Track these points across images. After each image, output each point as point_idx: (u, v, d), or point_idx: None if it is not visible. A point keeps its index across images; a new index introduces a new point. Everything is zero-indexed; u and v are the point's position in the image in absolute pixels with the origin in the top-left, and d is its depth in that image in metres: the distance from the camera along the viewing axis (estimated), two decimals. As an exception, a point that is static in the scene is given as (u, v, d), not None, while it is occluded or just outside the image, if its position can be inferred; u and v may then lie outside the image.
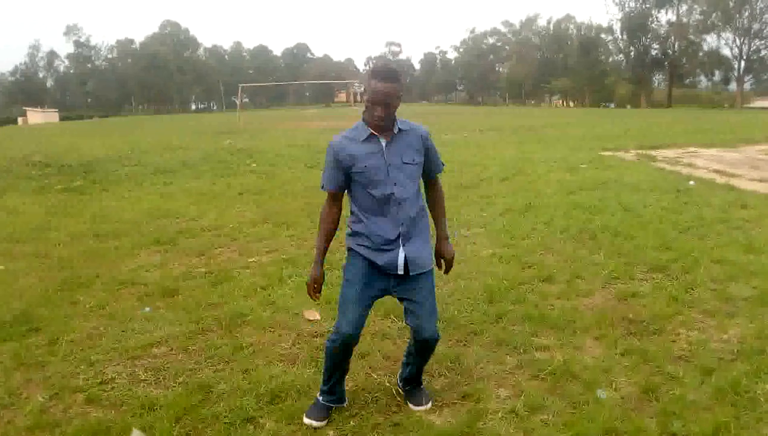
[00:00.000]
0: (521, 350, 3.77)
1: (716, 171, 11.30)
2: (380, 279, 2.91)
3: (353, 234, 2.95)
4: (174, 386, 3.44)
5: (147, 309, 4.64)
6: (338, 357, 2.99)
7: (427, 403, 3.17)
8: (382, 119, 2.74)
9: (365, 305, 2.93)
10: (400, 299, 2.99)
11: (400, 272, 2.88)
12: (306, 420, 3.03)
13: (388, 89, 2.71)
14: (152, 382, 3.52)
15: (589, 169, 11.71)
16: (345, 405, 3.17)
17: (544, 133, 22.79)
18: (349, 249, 2.98)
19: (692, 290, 4.75)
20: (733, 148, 15.59)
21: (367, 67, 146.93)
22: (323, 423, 3.02)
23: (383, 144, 2.81)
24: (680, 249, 5.76)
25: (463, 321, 4.23)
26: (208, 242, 6.72)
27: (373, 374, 3.52)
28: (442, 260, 3.10)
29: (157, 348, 3.98)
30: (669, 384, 3.30)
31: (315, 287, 2.96)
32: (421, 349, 3.07)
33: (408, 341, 3.22)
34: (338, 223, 2.96)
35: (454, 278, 5.14)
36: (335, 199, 2.92)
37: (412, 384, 3.24)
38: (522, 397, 3.20)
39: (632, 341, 3.87)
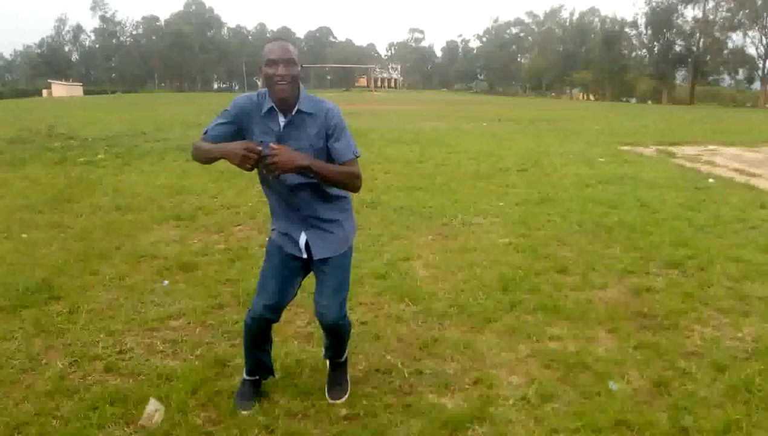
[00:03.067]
0: (534, 339, 3.79)
1: (736, 170, 11.17)
2: (288, 255, 2.85)
3: (270, 209, 2.93)
4: (191, 359, 3.51)
5: (165, 282, 4.71)
6: (250, 335, 2.96)
7: (339, 397, 3.08)
8: (286, 80, 2.51)
9: (282, 280, 2.85)
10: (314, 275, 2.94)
11: (303, 256, 2.82)
12: (238, 410, 2.97)
13: (284, 46, 2.53)
14: (169, 353, 3.59)
15: (607, 163, 11.63)
16: (270, 378, 3.16)
17: (562, 125, 22.62)
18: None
19: (707, 287, 4.73)
20: (754, 147, 15.37)
21: (390, 53, 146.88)
22: (250, 411, 2.97)
23: (281, 124, 2.62)
24: (696, 246, 5.73)
25: (477, 308, 4.26)
26: (226, 219, 6.78)
27: (387, 356, 3.56)
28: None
29: (175, 321, 4.05)
30: (681, 379, 3.31)
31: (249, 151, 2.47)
32: (326, 332, 3.02)
33: None
34: None
35: (470, 266, 5.17)
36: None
37: (334, 368, 3.18)
38: (534, 385, 3.22)
39: (645, 335, 3.88)
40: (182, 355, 3.57)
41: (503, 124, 22.63)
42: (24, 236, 6.02)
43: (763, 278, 4.93)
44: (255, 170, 2.62)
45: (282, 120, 2.63)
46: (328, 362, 3.24)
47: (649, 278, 4.97)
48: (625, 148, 14.59)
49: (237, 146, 2.49)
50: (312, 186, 2.70)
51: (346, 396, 3.11)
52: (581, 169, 10.84)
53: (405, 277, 4.90)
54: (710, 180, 9.74)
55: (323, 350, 3.26)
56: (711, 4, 65.92)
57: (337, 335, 3.03)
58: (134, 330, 3.89)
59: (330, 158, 2.66)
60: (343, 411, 3.00)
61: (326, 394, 3.12)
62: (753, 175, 10.60)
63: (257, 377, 3.11)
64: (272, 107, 2.61)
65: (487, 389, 3.20)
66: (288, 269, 2.87)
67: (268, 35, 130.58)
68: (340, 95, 61.32)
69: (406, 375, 3.34)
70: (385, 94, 68.28)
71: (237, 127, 2.66)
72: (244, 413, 2.96)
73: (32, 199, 7.77)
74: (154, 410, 2.92)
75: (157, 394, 3.08)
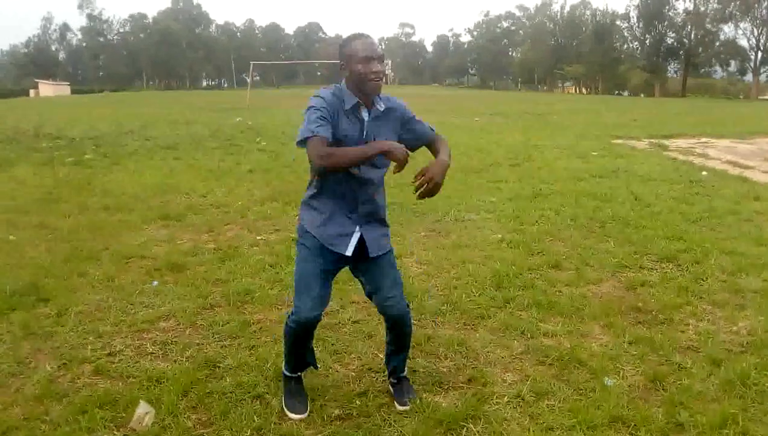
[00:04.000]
0: (528, 336, 3.76)
1: (729, 162, 11.19)
2: (333, 254, 2.78)
3: (308, 206, 2.83)
4: (181, 360, 3.46)
5: (155, 283, 4.66)
6: (298, 340, 2.91)
7: (405, 405, 2.99)
8: (379, 75, 2.60)
9: (324, 281, 2.79)
10: (358, 277, 2.94)
11: (348, 253, 2.75)
12: (290, 415, 2.91)
13: (375, 44, 2.61)
14: (159, 355, 3.54)
15: (600, 157, 11.62)
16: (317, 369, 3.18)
17: (554, 119, 22.64)
18: (302, 226, 2.86)
19: (702, 281, 4.72)
20: (747, 139, 15.43)
21: (380, 49, 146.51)
22: (305, 414, 2.92)
23: (365, 118, 2.68)
24: (690, 240, 5.72)
25: (470, 305, 4.22)
26: (216, 219, 6.72)
27: (379, 354, 3.51)
28: (422, 178, 2.63)
29: (165, 322, 4.00)
30: (677, 374, 3.29)
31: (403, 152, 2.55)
32: (393, 328, 2.95)
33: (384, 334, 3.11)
34: None
35: (462, 262, 5.14)
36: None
37: (400, 374, 3.10)
38: (528, 382, 3.19)
39: (640, 330, 3.85)
40: (172, 356, 3.52)
41: (494, 119, 22.63)
42: (11, 237, 5.94)
43: (758, 270, 4.92)
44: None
45: (366, 114, 2.69)
46: (389, 377, 3.14)
47: (644, 272, 4.95)
48: (618, 141, 14.61)
49: (402, 147, 2.57)
50: (378, 181, 2.79)
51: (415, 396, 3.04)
52: (574, 163, 10.83)
53: (398, 274, 4.86)
54: (703, 173, 9.75)
55: (387, 362, 3.14)
56: (702, -4, 66.18)
57: (405, 330, 2.98)
58: (123, 332, 3.84)
59: (412, 141, 2.83)
60: (336, 411, 2.97)
61: (395, 403, 3.02)
62: (746, 167, 10.63)
63: (299, 374, 3.08)
64: (357, 102, 2.67)
65: (482, 387, 3.17)
66: (329, 267, 2.82)
67: (256, 31, 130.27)
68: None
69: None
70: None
71: (333, 123, 2.62)
72: (296, 416, 2.90)
73: (19, 200, 7.68)
74: (144, 412, 2.87)
75: (148, 396, 3.03)
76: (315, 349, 3.43)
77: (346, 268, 2.96)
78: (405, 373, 3.14)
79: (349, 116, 2.66)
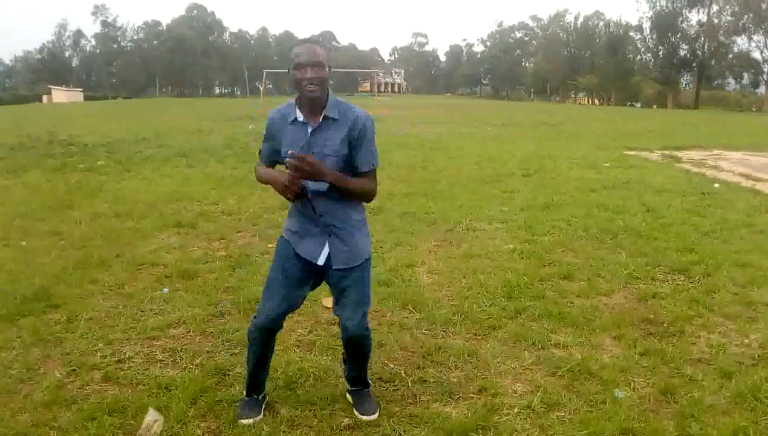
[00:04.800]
0: (539, 347, 3.74)
1: (742, 174, 11.11)
2: (306, 263, 2.79)
3: (288, 214, 2.89)
4: (190, 368, 3.46)
5: (165, 290, 4.67)
6: (257, 347, 2.89)
7: (373, 413, 2.97)
8: (315, 83, 2.51)
9: (290, 288, 2.78)
10: (330, 286, 2.88)
11: (320, 263, 2.76)
12: (241, 421, 2.89)
13: (312, 48, 2.54)
14: (169, 363, 3.55)
15: (612, 168, 11.57)
16: (263, 397, 3.04)
17: (567, 130, 22.58)
18: (283, 231, 2.90)
19: (714, 293, 4.67)
20: (760, 152, 15.31)
21: (393, 58, 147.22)
22: (257, 418, 2.92)
23: (309, 131, 2.64)
24: (702, 252, 5.68)
25: (481, 315, 4.21)
26: (227, 226, 6.75)
27: (390, 364, 3.51)
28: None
29: (175, 329, 4.01)
30: (687, 387, 3.25)
31: (292, 184, 2.57)
32: (348, 346, 2.91)
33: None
34: None
35: (473, 272, 5.12)
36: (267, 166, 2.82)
37: (357, 386, 3.07)
38: (539, 393, 3.17)
39: (651, 341, 3.82)
40: (182, 364, 3.53)
41: (507, 129, 22.60)
42: (23, 243, 5.99)
43: (771, 283, 4.86)
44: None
45: (309, 128, 2.64)
46: (348, 386, 3.13)
47: (655, 284, 4.91)
48: (630, 152, 14.54)
49: (281, 177, 2.59)
50: (335, 193, 2.67)
51: (377, 414, 2.98)
52: (586, 173, 10.79)
53: (408, 284, 4.86)
54: (716, 185, 9.68)
55: (345, 372, 3.13)
56: (715, 8, 65.93)
57: (359, 349, 2.92)
58: (133, 339, 3.85)
59: (350, 165, 2.67)
60: (346, 421, 2.96)
61: (355, 411, 3.01)
62: (759, 179, 10.54)
63: (260, 395, 3.03)
64: (295, 118, 2.66)
65: (492, 398, 3.15)
66: (299, 276, 2.80)
67: (270, 39, 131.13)
68: (344, 100, 61.17)
69: (410, 384, 3.29)
70: (389, 99, 68.40)
71: (275, 142, 2.73)
72: (244, 421, 2.89)
73: (32, 207, 7.74)
74: (153, 420, 2.87)
75: (156, 404, 3.04)
76: (325, 358, 3.43)
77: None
78: (367, 386, 3.09)
79: (293, 131, 2.67)
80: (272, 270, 2.85)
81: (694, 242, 6.04)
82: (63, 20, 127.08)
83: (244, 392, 3.05)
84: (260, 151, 2.84)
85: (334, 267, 2.76)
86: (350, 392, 3.11)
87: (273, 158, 2.79)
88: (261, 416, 2.96)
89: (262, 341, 2.88)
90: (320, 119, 2.63)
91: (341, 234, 2.75)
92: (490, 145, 15.66)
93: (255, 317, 2.86)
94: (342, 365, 3.19)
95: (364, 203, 2.87)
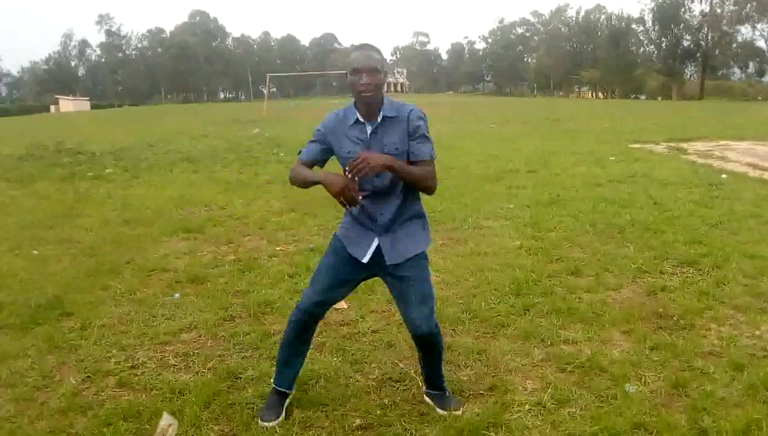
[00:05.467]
0: (548, 343, 3.75)
1: (749, 164, 11.07)
2: (354, 264, 2.85)
3: (344, 213, 2.93)
4: (203, 372, 3.49)
5: (176, 295, 4.71)
6: (292, 332, 2.97)
7: (456, 409, 3.01)
8: (370, 89, 2.59)
9: (335, 281, 2.87)
10: (389, 287, 2.93)
11: (364, 260, 2.80)
12: (260, 423, 2.93)
13: (369, 54, 2.60)
14: (182, 367, 3.58)
15: (618, 162, 11.56)
16: (291, 394, 3.07)
17: (571, 125, 22.54)
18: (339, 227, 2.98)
19: (723, 285, 4.67)
20: (767, 141, 15.24)
21: (395, 58, 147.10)
22: (276, 421, 2.93)
23: (368, 132, 2.70)
24: (711, 244, 5.67)
25: (490, 313, 4.22)
26: (235, 230, 6.78)
27: (399, 364, 3.53)
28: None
29: (186, 334, 4.04)
30: (699, 380, 3.25)
31: (350, 187, 2.56)
32: (417, 344, 2.95)
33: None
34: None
35: (480, 270, 5.13)
36: (305, 166, 2.80)
37: (434, 388, 3.09)
38: (549, 390, 3.18)
39: (661, 335, 3.82)
40: (194, 368, 3.56)
41: (511, 126, 22.58)
42: (35, 252, 6.04)
43: (780, 273, 4.85)
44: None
45: (368, 129, 2.71)
46: (424, 387, 3.15)
47: (664, 277, 4.91)
48: (636, 145, 14.51)
49: (338, 180, 2.56)
50: (391, 191, 2.74)
51: (459, 410, 3.01)
52: (591, 168, 10.78)
53: (416, 283, 4.86)
54: (723, 176, 9.65)
55: (424, 376, 3.13)
56: (718, -2, 65.65)
57: (430, 348, 2.94)
58: (146, 344, 3.88)
59: (411, 156, 2.72)
60: (357, 421, 2.97)
61: (437, 408, 3.03)
62: (766, 169, 10.50)
63: (284, 394, 3.04)
64: (357, 119, 2.71)
65: (502, 395, 3.16)
66: (345, 269, 2.87)
67: (272, 44, 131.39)
68: (346, 101, 61.22)
69: (421, 383, 3.30)
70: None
71: (326, 145, 2.78)
72: (263, 424, 2.92)
73: (42, 215, 7.81)
74: (167, 424, 2.90)
75: (170, 408, 3.06)
76: (335, 359, 3.45)
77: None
78: (443, 389, 3.09)
79: (353, 133, 2.73)
80: (322, 261, 2.97)
81: (703, 234, 6.03)
82: (68, 30, 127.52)
83: (273, 381, 3.07)
84: (300, 152, 2.83)
85: (388, 262, 2.79)
86: (428, 395, 3.12)
87: (315, 160, 2.80)
88: (281, 418, 2.97)
89: (298, 327, 2.95)
90: (379, 119, 2.70)
91: (396, 230, 2.80)
92: (495, 143, 15.65)
93: (298, 303, 2.96)
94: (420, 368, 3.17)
95: (421, 202, 2.91)
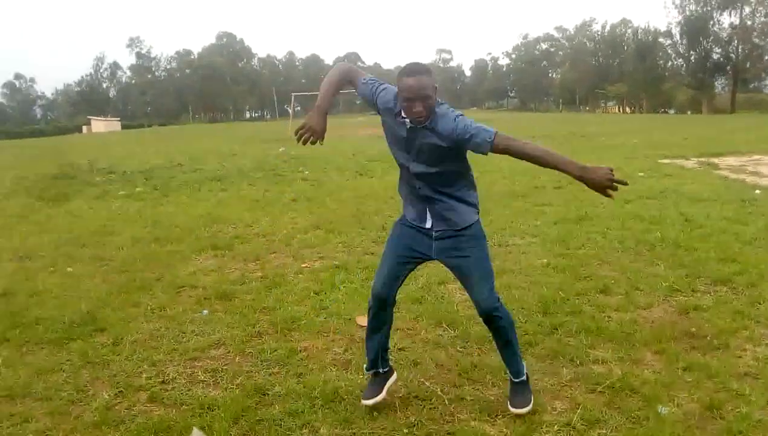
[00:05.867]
0: (577, 363, 3.70)
1: (783, 180, 10.84)
2: (418, 240, 3.03)
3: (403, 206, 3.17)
4: (231, 388, 3.52)
5: (205, 312, 4.76)
6: (372, 316, 3.15)
7: (522, 406, 3.08)
8: (422, 115, 2.70)
9: (398, 261, 3.06)
10: (450, 267, 3.09)
11: (427, 225, 2.99)
12: (363, 402, 3.16)
13: (420, 81, 2.66)
14: (211, 383, 3.61)
15: (647, 177, 11.41)
16: (394, 376, 3.31)
17: (598, 140, 22.34)
18: None
19: (758, 304, 4.56)
20: (801, 156, 14.92)
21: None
22: (374, 400, 3.14)
23: (407, 123, 2.82)
24: (745, 262, 5.55)
25: (518, 332, 4.14)
26: (262, 248, 6.84)
27: (426, 382, 3.51)
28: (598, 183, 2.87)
29: (215, 350, 4.08)
30: (734, 402, 3.18)
31: (310, 130, 2.84)
32: (486, 324, 3.09)
33: None
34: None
35: (507, 287, 5.09)
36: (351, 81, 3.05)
37: (516, 377, 3.17)
38: (579, 410, 3.13)
39: (695, 355, 3.75)
40: (223, 384, 3.59)
41: (537, 141, 22.42)
42: (69, 269, 6.16)
43: (817, 292, 4.73)
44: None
45: (406, 127, 2.83)
46: (509, 377, 3.23)
47: (697, 295, 4.82)
48: (665, 161, 14.31)
49: (308, 121, 2.84)
50: (434, 177, 2.91)
51: (530, 406, 3.10)
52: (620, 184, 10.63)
53: (441, 301, 4.86)
54: (756, 191, 9.46)
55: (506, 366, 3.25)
56: (748, 10, 64.81)
57: (496, 325, 3.06)
58: (176, 360, 3.93)
59: (459, 160, 2.92)
60: (385, 439, 2.97)
61: (508, 404, 3.13)
62: (800, 184, 10.27)
63: (377, 370, 3.22)
64: (402, 115, 2.81)
65: (531, 415, 3.12)
66: (406, 245, 3.06)
67: (297, 63, 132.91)
68: (370, 120, 61.77)
69: (447, 402, 3.29)
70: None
71: (372, 102, 2.96)
72: (366, 402, 3.14)
73: (76, 233, 7.97)
74: (196, 440, 2.93)
75: (200, 423, 3.10)
76: (361, 377, 3.45)
77: None
78: (520, 378, 3.16)
79: (397, 122, 2.86)
80: (384, 247, 3.17)
81: (736, 252, 5.90)
82: (100, 53, 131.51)
83: (365, 367, 3.26)
84: (365, 80, 3.02)
85: (436, 229, 2.98)
86: (511, 384, 3.20)
87: (365, 94, 2.99)
88: (383, 396, 3.17)
89: (376, 312, 3.13)
90: (421, 126, 2.80)
91: (443, 206, 2.97)
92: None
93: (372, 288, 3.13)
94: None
95: (472, 178, 3.08)
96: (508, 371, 3.21)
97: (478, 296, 2.98)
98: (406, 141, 2.85)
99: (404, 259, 3.07)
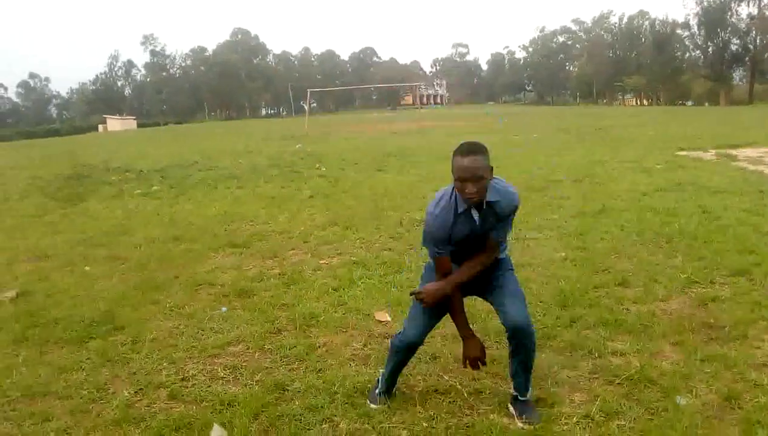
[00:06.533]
0: (596, 355, 3.69)
1: (803, 170, 10.69)
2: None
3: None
4: (251, 384, 3.56)
5: (223, 309, 4.81)
6: (401, 356, 3.20)
7: (532, 418, 2.99)
8: (475, 195, 2.75)
9: (440, 312, 3.10)
10: (484, 297, 3.15)
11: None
12: (368, 404, 3.23)
13: (474, 162, 2.72)
14: (230, 379, 3.65)
15: (665, 170, 11.30)
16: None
17: (616, 133, 22.14)
18: None
19: (777, 295, 4.52)
20: (822, 146, 14.70)
21: (434, 70, 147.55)
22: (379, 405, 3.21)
23: (476, 220, 2.89)
24: (763, 253, 5.49)
25: (536, 326, 4.12)
26: (280, 245, 6.88)
27: (444, 376, 3.53)
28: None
29: (234, 347, 4.12)
30: (753, 392, 3.17)
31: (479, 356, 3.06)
32: (512, 339, 2.96)
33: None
34: None
35: (525, 281, 5.07)
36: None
37: (521, 394, 3.09)
38: (597, 402, 3.13)
39: (713, 346, 3.73)
40: (243, 380, 3.63)
41: (554, 135, 22.32)
42: (86, 268, 6.24)
43: (838, 282, 4.67)
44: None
45: (476, 215, 2.89)
46: (512, 392, 3.16)
47: (715, 287, 4.78)
48: (683, 153, 14.17)
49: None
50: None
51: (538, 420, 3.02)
52: (637, 177, 10.57)
53: (459, 295, 4.85)
54: (774, 182, 9.35)
55: (511, 379, 3.14)
56: (766, 1, 63.85)
57: (524, 345, 2.97)
58: (195, 357, 3.98)
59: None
60: (404, 433, 2.99)
61: (517, 421, 3.05)
62: (821, 174, 10.13)
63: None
64: (466, 208, 2.87)
65: (549, 408, 3.13)
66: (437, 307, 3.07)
67: (312, 59, 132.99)
68: (383, 115, 61.75)
69: (466, 395, 3.30)
70: (432, 111, 68.37)
71: (443, 237, 2.92)
72: (373, 406, 3.21)
73: (92, 233, 8.06)
74: (218, 436, 2.96)
75: (220, 420, 3.14)
76: (379, 371, 3.47)
77: None
78: (526, 396, 3.10)
79: (462, 219, 2.89)
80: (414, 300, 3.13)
81: (754, 244, 5.85)
82: (115, 52, 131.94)
83: (378, 390, 3.29)
84: (433, 254, 3.00)
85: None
86: (513, 403, 3.12)
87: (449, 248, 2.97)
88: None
89: (406, 356, 3.23)
90: (485, 207, 2.87)
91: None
92: (538, 152, 15.49)
93: (401, 334, 3.17)
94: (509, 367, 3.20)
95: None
96: (515, 389, 3.10)
97: (511, 308, 2.94)
98: (479, 229, 2.92)
99: (444, 308, 3.08)
